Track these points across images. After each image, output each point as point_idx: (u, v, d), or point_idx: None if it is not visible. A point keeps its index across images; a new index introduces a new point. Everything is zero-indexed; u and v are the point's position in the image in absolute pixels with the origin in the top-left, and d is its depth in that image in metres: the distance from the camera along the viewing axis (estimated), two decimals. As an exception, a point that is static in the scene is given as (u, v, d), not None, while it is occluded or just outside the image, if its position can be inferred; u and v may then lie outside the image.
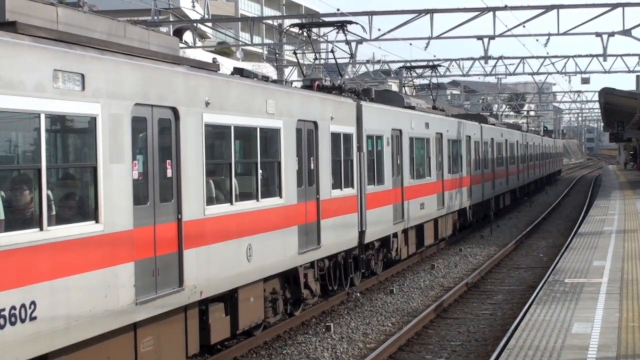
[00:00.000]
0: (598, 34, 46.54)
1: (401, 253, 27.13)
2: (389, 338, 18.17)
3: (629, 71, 61.63)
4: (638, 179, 71.86)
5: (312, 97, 20.06)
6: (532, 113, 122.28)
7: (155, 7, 50.90)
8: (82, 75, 11.51)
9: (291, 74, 64.55)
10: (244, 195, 16.20)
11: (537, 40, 50.69)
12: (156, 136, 13.27)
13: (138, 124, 12.76)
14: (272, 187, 17.49)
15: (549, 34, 47.25)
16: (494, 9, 42.79)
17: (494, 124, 49.71)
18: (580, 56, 61.46)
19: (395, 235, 26.26)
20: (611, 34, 45.71)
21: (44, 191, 10.79)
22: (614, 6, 41.41)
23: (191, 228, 14.04)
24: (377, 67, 70.39)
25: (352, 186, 22.25)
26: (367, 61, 65.43)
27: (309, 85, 22.45)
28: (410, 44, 53.92)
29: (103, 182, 11.91)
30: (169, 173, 13.67)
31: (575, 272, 20.39)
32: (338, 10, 44.27)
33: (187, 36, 54.17)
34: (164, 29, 47.55)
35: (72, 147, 12.05)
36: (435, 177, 31.49)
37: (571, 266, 21.41)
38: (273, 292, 18.07)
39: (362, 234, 22.84)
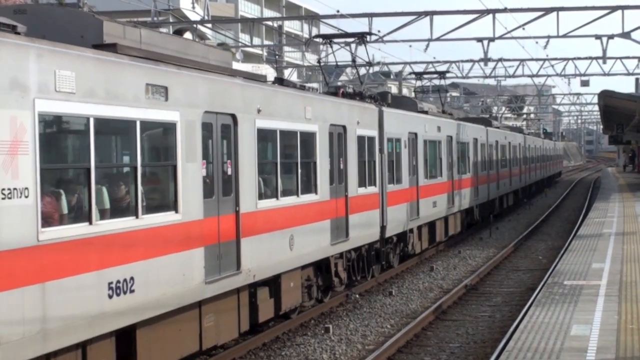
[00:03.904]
0: (597, 37, 46.85)
1: (415, 248, 29.31)
2: (388, 340, 18.35)
3: (629, 74, 62.21)
4: (637, 181, 72.28)
5: (342, 104, 22.36)
6: (531, 115, 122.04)
7: (155, 8, 50.90)
8: (166, 88, 13.69)
9: (291, 75, 63.90)
10: (287, 192, 18.47)
11: (536, 42, 51.05)
12: (219, 139, 15.52)
13: (206, 129, 14.98)
14: (309, 185, 19.69)
15: (549, 37, 47.54)
16: (494, 11, 43.14)
17: (498, 127, 51.86)
18: (579, 59, 61.67)
19: (411, 230, 28.47)
20: (610, 37, 46.05)
21: (139, 185, 12.93)
22: (614, 9, 41.78)
23: (246, 219, 16.25)
24: (376, 68, 69.94)
25: (375, 185, 24.50)
26: (367, 63, 64.53)
27: (334, 92, 24.34)
28: (410, 46, 53.54)
29: (181, 178, 14.07)
30: (229, 171, 15.87)
31: (574, 275, 20.48)
32: (338, 12, 44.64)
33: (187, 37, 53.18)
34: (163, 30, 46.72)
35: (159, 149, 14.17)
36: (446, 177, 33.60)
37: (570, 268, 21.49)
38: (308, 279, 20.22)
39: (383, 228, 25.01)
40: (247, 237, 16.22)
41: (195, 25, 52.96)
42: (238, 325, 16.57)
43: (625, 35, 42.46)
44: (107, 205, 12.38)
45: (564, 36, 44.93)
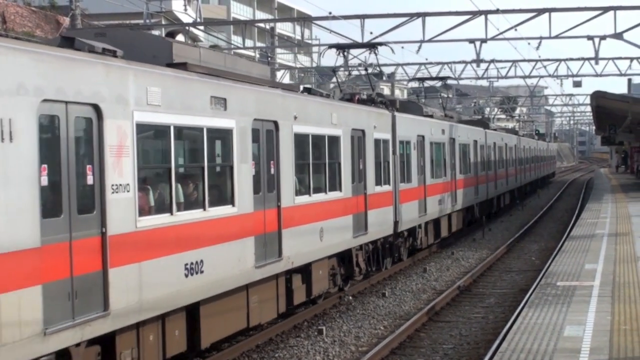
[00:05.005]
0: (590, 37, 47.72)
1: (422, 243, 32.44)
2: (382, 341, 18.84)
3: (621, 74, 63.43)
4: (629, 182, 73.77)
5: (361, 110, 25.49)
6: (523, 117, 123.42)
7: (147, 10, 51.89)
8: (225, 99, 16.59)
9: (283, 77, 65.28)
10: (317, 189, 21.48)
11: (529, 43, 52.20)
12: (264, 143, 18.50)
13: (254, 134, 17.92)
14: (334, 183, 22.72)
15: (541, 37, 48.35)
16: (486, 13, 44.26)
17: (495, 129, 55.59)
18: (572, 59, 63.19)
19: (419, 226, 31.72)
20: (603, 37, 47.00)
21: (206, 182, 15.88)
22: (606, 9, 42.82)
23: (286, 213, 19.25)
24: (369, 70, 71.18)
25: (389, 184, 27.62)
26: (360, 64, 66.25)
27: (350, 98, 27.38)
28: (402, 47, 54.70)
29: (237, 177, 17.02)
30: (272, 171, 18.82)
31: (567, 275, 20.88)
32: (330, 13, 45.83)
33: (179, 39, 54.45)
34: (156, 33, 48.34)
35: (219, 151, 16.93)
36: (450, 177, 36.79)
37: (563, 269, 21.91)
38: (332, 268, 23.16)
39: (396, 224, 28.11)
40: (286, 228, 19.19)
41: (187, 28, 54.74)
42: (277, 307, 19.53)
43: (618, 36, 43.43)
44: (182, 199, 15.29)
45: (556, 37, 45.91)
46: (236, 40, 66.96)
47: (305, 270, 21.01)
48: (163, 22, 57.62)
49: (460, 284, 26.16)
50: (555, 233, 41.68)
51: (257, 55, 69.68)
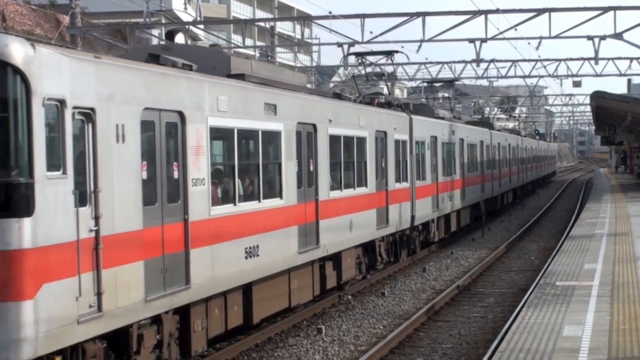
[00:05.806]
0: (589, 38, 48.81)
1: (434, 236, 35.86)
2: (381, 340, 19.69)
3: (621, 74, 64.70)
4: (629, 182, 76.41)
5: (383, 113, 29.02)
6: (523, 117, 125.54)
7: (147, 9, 53.80)
8: (275, 106, 19.85)
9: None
10: (347, 185, 24.81)
11: (528, 43, 53.69)
12: (305, 143, 21.76)
13: (298, 136, 21.16)
14: (361, 180, 26.04)
15: (541, 37, 49.30)
16: (486, 12, 45.57)
17: (499, 130, 60.07)
18: (571, 59, 64.39)
19: (433, 220, 35.26)
20: (602, 38, 48.05)
21: (260, 177, 19.11)
22: (606, 9, 43.94)
23: (322, 206, 22.53)
24: (368, 69, 73.46)
25: (407, 181, 31.16)
26: (359, 64, 68.42)
27: (369, 102, 30.63)
28: (402, 47, 56.55)
29: (284, 173, 20.29)
30: (311, 168, 22.10)
31: (566, 275, 21.70)
32: (330, 13, 47.74)
33: (179, 38, 57.13)
34: (156, 31, 50.72)
35: (270, 151, 20.06)
36: (459, 175, 40.49)
37: (562, 269, 22.78)
38: (358, 257, 26.50)
39: (412, 218, 31.63)
40: (323, 219, 22.47)
41: (187, 27, 57.01)
42: (312, 290, 22.76)
43: (617, 36, 44.38)
44: (242, 192, 18.50)
45: (556, 37, 46.82)
46: (236, 39, 68.62)
47: (336, 258, 24.26)
48: (163, 21, 59.74)
49: (460, 283, 27.15)
50: (554, 233, 43.21)
51: (257, 55, 71.95)
